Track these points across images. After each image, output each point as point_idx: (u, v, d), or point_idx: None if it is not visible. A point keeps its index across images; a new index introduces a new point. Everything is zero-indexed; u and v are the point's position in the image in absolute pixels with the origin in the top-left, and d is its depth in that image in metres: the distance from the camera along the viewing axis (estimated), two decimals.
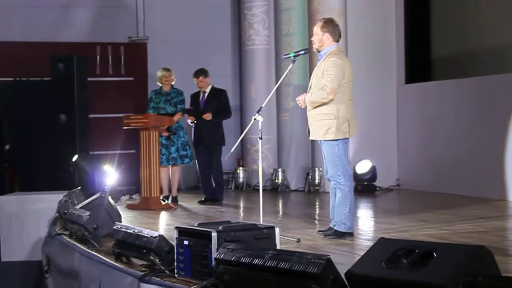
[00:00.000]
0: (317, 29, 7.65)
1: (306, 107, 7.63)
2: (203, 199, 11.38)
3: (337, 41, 7.66)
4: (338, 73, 7.44)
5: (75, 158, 11.31)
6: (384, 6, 13.22)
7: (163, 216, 10.22)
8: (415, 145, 12.84)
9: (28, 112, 12.87)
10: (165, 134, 11.40)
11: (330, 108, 7.46)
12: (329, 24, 7.65)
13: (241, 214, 10.53)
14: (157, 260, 5.76)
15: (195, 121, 11.17)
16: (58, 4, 13.85)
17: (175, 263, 5.53)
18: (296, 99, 7.72)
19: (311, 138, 7.71)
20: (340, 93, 7.46)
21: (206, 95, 11.34)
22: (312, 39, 7.74)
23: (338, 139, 7.48)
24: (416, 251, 3.97)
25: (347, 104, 7.53)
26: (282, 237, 6.25)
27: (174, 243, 5.57)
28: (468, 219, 8.81)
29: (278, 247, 5.31)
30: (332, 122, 7.45)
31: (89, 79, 13.16)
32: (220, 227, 5.24)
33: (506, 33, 11.38)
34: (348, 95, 7.55)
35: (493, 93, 11.08)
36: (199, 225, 5.51)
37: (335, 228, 7.59)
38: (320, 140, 7.61)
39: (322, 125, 7.48)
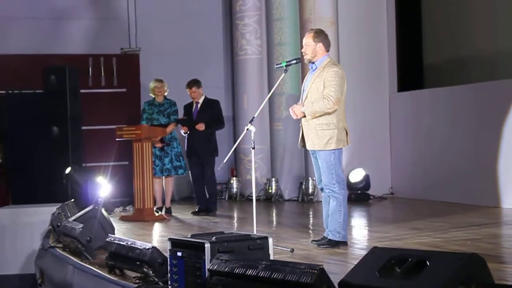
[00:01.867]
0: (308, 40, 7.65)
1: (301, 117, 7.62)
2: (196, 210, 11.37)
3: (328, 51, 7.70)
4: (341, 83, 7.49)
5: (68, 170, 11.32)
6: (376, 14, 13.24)
7: (157, 227, 10.20)
8: (408, 153, 12.85)
9: (20, 125, 12.82)
10: (159, 145, 11.40)
11: (331, 118, 7.48)
12: (321, 34, 7.68)
13: (235, 224, 10.52)
14: (151, 272, 5.74)
15: (188, 132, 11.16)
16: (50, 17, 13.83)
17: (169, 275, 5.49)
18: (290, 110, 7.69)
19: (308, 148, 7.67)
20: (340, 103, 7.49)
21: (199, 105, 11.33)
22: (302, 50, 7.73)
23: (336, 149, 7.50)
24: (410, 259, 3.97)
25: (344, 114, 7.59)
26: (275, 247, 6.24)
27: (167, 254, 5.55)
28: (461, 227, 8.80)
29: (271, 257, 5.29)
30: (333, 132, 7.48)
31: (81, 91, 13.14)
32: (213, 238, 5.21)
33: (498, 40, 11.41)
34: (344, 105, 7.61)
35: (486, 100, 11.09)
36: (192, 236, 5.50)
37: (329, 237, 7.59)
38: (314, 150, 7.61)
39: (323, 135, 7.49)
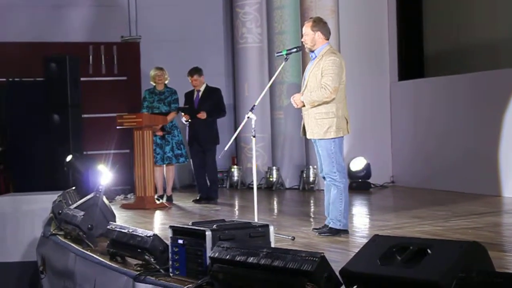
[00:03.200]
0: (307, 29, 7.65)
1: (301, 106, 7.62)
2: (197, 198, 11.37)
3: (328, 39, 7.69)
4: (339, 72, 7.47)
5: (69, 158, 11.31)
6: (377, 2, 13.20)
7: (158, 215, 10.20)
8: (409, 142, 12.83)
9: (21, 113, 12.83)
10: (160, 133, 11.39)
11: (330, 107, 7.48)
12: (319, 23, 7.67)
13: (236, 212, 10.51)
14: (152, 259, 5.74)
15: (190, 120, 11.15)
16: (49, 4, 13.78)
17: (170, 262, 5.51)
18: (291, 99, 7.69)
19: (308, 137, 7.68)
20: (338, 91, 7.48)
21: (200, 93, 11.32)
22: (302, 40, 7.74)
23: (337, 137, 7.50)
24: (410, 247, 3.96)
25: (343, 102, 7.58)
26: (276, 235, 6.23)
27: (168, 242, 5.56)
28: (463, 216, 8.80)
29: (272, 245, 5.30)
30: (332, 120, 7.47)
31: (82, 79, 13.12)
32: (215, 226, 5.22)
33: (499, 28, 11.38)
34: (344, 93, 7.59)
35: (487, 90, 11.07)
36: (194, 224, 5.50)
37: (330, 225, 7.61)
38: (315, 139, 7.61)
39: (322, 124, 7.49)
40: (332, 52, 7.62)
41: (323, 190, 7.93)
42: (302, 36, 7.80)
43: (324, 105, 7.48)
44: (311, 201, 11.53)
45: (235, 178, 13.79)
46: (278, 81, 12.79)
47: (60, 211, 8.30)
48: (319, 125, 7.51)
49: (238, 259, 4.66)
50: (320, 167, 7.74)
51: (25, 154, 12.79)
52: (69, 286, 7.40)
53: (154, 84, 11.69)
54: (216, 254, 4.87)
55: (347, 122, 7.57)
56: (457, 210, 9.32)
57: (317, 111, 7.51)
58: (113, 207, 8.23)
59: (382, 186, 12.93)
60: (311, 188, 12.62)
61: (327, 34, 7.66)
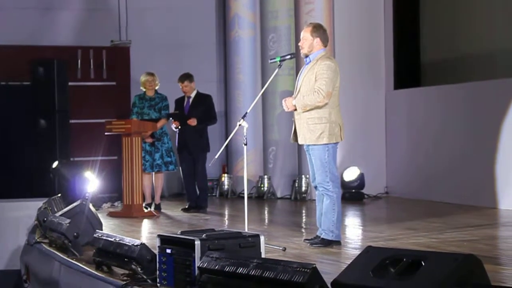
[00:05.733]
0: (306, 34, 7.63)
1: (293, 111, 7.58)
2: (186, 206, 11.29)
3: (325, 46, 7.68)
4: (333, 77, 7.44)
5: (55, 164, 11.27)
6: (373, 11, 13.18)
7: (146, 224, 10.15)
8: (404, 152, 12.79)
9: (7, 117, 12.76)
10: (149, 140, 11.29)
11: (323, 112, 7.43)
12: (319, 29, 7.66)
13: (226, 222, 10.49)
14: (139, 269, 5.74)
15: (179, 127, 11.03)
16: (38, 7, 13.74)
17: (158, 272, 5.52)
18: (283, 102, 7.67)
19: (300, 142, 7.64)
20: (332, 97, 7.44)
21: (191, 100, 11.26)
22: (300, 44, 7.72)
23: (330, 144, 7.44)
24: (404, 259, 3.99)
25: (337, 109, 7.54)
26: (267, 245, 6.23)
27: (156, 251, 5.55)
28: (458, 228, 8.78)
29: (263, 255, 5.30)
30: (325, 126, 7.42)
31: (70, 83, 13.11)
32: (204, 235, 5.23)
33: (496, 38, 11.41)
34: (338, 99, 7.56)
35: (483, 100, 11.06)
36: (182, 233, 5.51)
37: (322, 236, 7.56)
38: (308, 146, 7.56)
39: (315, 129, 7.44)
40: (327, 57, 7.62)
41: (315, 200, 7.91)
42: (299, 40, 7.73)
43: (316, 110, 7.44)
44: (303, 211, 11.50)
45: (226, 186, 13.70)
46: (270, 89, 12.63)
47: (45, 219, 8.29)
48: (312, 130, 7.45)
49: (227, 269, 4.66)
50: (312, 176, 7.69)
51: (10, 159, 12.75)
52: None
53: (144, 90, 11.55)
54: (205, 264, 4.87)
55: (340, 129, 7.52)
56: (452, 222, 9.30)
57: (310, 116, 7.46)
58: (99, 215, 8.19)
59: (375, 197, 12.87)
60: (303, 198, 12.58)
61: (325, 42, 7.65)
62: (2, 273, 9.86)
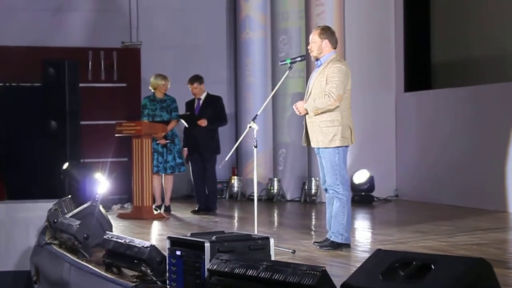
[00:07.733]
0: (314, 37, 7.62)
1: (304, 114, 7.55)
2: (196, 208, 11.28)
3: (335, 48, 7.66)
4: (344, 80, 7.43)
5: (65, 165, 11.28)
6: (383, 13, 13.17)
7: (156, 225, 10.14)
8: (414, 155, 12.76)
9: (18, 118, 12.78)
10: (163, 142, 11.27)
11: (335, 115, 7.43)
12: (327, 31, 7.65)
13: (235, 224, 10.47)
14: (149, 270, 5.73)
15: (187, 126, 11.04)
16: (49, 8, 13.74)
17: (167, 274, 5.50)
18: (294, 106, 7.66)
19: (313, 145, 7.63)
20: (343, 100, 7.44)
21: (201, 102, 11.25)
22: (309, 47, 7.72)
23: (341, 147, 7.44)
24: (414, 263, 3.98)
25: (348, 111, 7.54)
26: (277, 248, 6.21)
27: (166, 253, 5.55)
28: (468, 231, 8.75)
29: (272, 258, 5.29)
30: (337, 129, 7.42)
31: (81, 85, 13.03)
32: (214, 237, 5.21)
33: (508, 41, 11.33)
34: (349, 102, 7.56)
35: (494, 102, 11.02)
36: (192, 235, 5.49)
37: (331, 239, 7.55)
38: (319, 149, 7.54)
39: (327, 132, 7.43)
40: (338, 60, 7.60)
41: (325, 202, 7.95)
42: (308, 44, 7.72)
43: (328, 113, 7.42)
44: (313, 214, 11.46)
45: (235, 189, 13.68)
46: (281, 91, 12.62)
47: (56, 220, 8.25)
48: (324, 133, 7.44)
49: (237, 271, 4.66)
50: (322, 179, 7.68)
51: (20, 160, 12.77)
52: None
53: (153, 91, 11.54)
54: (215, 267, 4.87)
55: (351, 132, 7.52)
56: (462, 226, 9.27)
57: (322, 119, 7.45)
58: (109, 217, 8.18)
59: (385, 200, 12.86)
60: (313, 201, 12.54)
61: (334, 43, 7.64)
62: (12, 274, 9.84)
